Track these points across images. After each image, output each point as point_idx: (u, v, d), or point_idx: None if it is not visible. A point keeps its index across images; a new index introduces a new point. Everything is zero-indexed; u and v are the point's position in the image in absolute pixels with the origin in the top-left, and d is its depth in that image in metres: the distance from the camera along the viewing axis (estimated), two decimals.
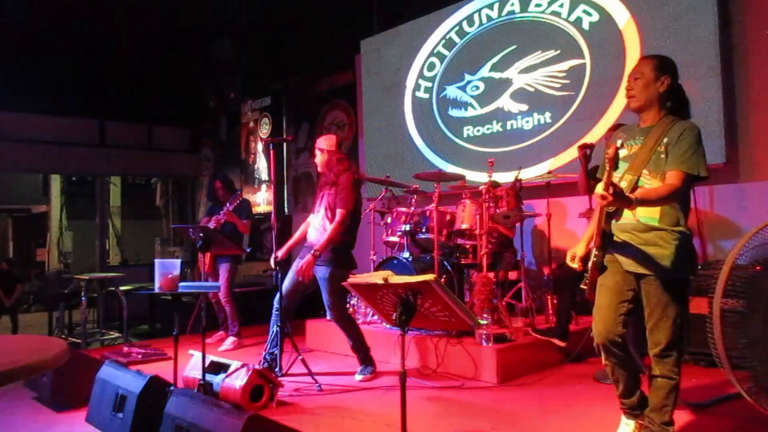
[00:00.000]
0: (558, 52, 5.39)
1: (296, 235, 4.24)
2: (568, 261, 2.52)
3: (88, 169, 10.00)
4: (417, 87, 6.61)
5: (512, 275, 4.96)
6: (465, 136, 6.09)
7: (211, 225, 5.07)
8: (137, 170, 10.80)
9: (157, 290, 3.25)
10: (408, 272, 4.53)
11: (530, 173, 5.29)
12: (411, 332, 4.24)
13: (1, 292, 7.28)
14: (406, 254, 4.87)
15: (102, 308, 6.80)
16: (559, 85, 5.39)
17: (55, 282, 7.52)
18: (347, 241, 4.02)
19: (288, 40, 8.24)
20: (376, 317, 4.76)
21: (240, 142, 9.55)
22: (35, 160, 9.27)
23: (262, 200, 8.97)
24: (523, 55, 5.64)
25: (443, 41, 6.38)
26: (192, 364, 3.65)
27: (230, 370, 3.39)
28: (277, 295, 4.01)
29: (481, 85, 5.99)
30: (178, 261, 3.41)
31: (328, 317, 4.17)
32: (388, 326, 4.28)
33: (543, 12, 5.54)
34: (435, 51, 6.45)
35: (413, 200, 5.15)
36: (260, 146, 9.08)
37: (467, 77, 6.11)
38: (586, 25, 5.23)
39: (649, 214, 2.37)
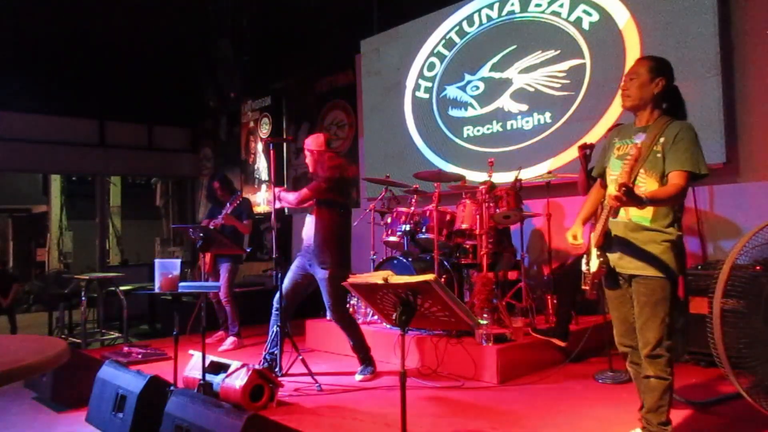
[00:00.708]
0: (558, 52, 5.39)
1: None
2: (569, 240, 2.61)
3: (88, 169, 10.00)
4: (417, 87, 6.61)
5: (512, 275, 4.96)
6: (465, 136, 6.09)
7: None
8: (137, 170, 10.79)
9: (157, 290, 3.25)
10: (408, 272, 4.53)
11: (530, 173, 5.29)
12: (411, 332, 4.24)
13: None
14: (406, 254, 4.87)
15: (102, 308, 6.80)
16: (559, 85, 5.39)
17: (55, 282, 7.51)
18: (346, 240, 4.02)
19: (288, 40, 8.24)
20: (376, 317, 4.76)
21: (240, 142, 9.55)
22: (35, 160, 9.27)
23: (262, 200, 8.97)
24: (523, 55, 5.64)
25: (443, 41, 6.38)
26: (192, 364, 3.65)
27: (230, 370, 3.39)
28: (277, 295, 4.01)
29: (481, 85, 5.99)
30: (178, 261, 3.41)
31: (329, 317, 4.17)
32: (388, 326, 4.29)
33: (543, 12, 5.54)
34: (435, 51, 6.45)
35: (413, 200, 5.15)
36: (260, 146, 9.08)
37: (467, 77, 6.11)
38: (586, 25, 5.23)
39: (641, 214, 2.39)
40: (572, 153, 4.79)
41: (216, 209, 5.51)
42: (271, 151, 4.41)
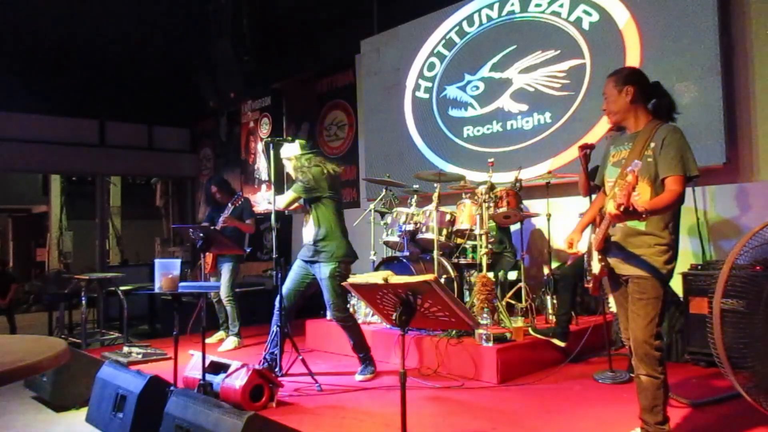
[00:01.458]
0: (558, 52, 5.39)
1: None
2: (565, 248, 2.70)
3: (88, 169, 10.00)
4: (417, 87, 6.61)
5: (512, 275, 4.96)
6: (465, 136, 6.09)
7: None
8: (137, 170, 10.80)
9: (157, 290, 3.25)
10: (408, 272, 4.53)
11: (530, 173, 5.29)
12: (411, 332, 4.24)
13: None
14: (406, 254, 4.87)
15: (102, 308, 6.80)
16: (559, 85, 5.39)
17: (55, 282, 7.50)
18: (344, 232, 4.02)
19: (288, 40, 8.24)
20: (376, 317, 4.76)
21: (240, 142, 9.55)
22: (35, 160, 9.27)
23: (262, 200, 8.98)
24: (523, 55, 5.64)
25: (443, 41, 6.38)
26: (192, 364, 3.65)
27: (230, 370, 3.40)
28: (278, 295, 4.02)
29: (481, 85, 5.99)
30: (178, 261, 3.41)
31: (329, 317, 4.18)
32: (388, 326, 4.29)
33: (543, 12, 5.53)
34: (435, 51, 6.45)
35: (413, 200, 5.15)
36: (260, 146, 9.08)
37: (467, 77, 6.11)
38: (586, 25, 5.23)
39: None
40: (572, 153, 4.79)
41: (216, 213, 5.50)
42: (272, 151, 4.40)
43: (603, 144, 4.13)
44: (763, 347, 2.74)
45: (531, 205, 5.25)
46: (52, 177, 12.18)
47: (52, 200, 12.33)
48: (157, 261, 3.32)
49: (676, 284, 3.99)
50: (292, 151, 4.08)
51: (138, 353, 4.84)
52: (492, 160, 4.85)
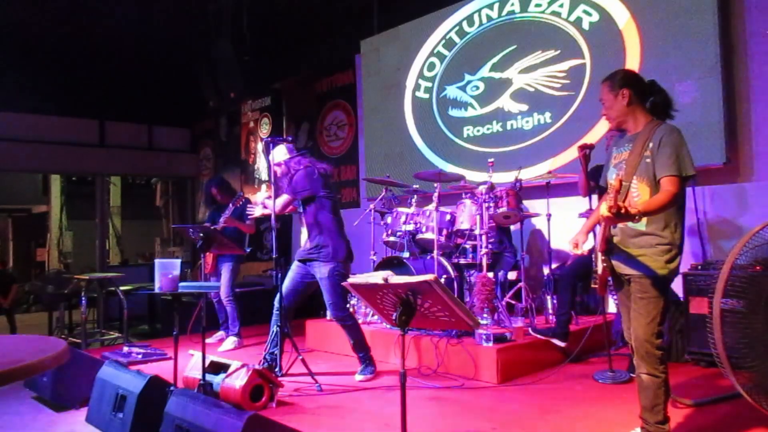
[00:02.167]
0: (558, 52, 5.39)
1: None
2: (570, 249, 2.72)
3: (88, 169, 10.00)
4: (417, 87, 6.61)
5: (512, 275, 4.96)
6: (465, 136, 6.09)
7: None
8: (137, 170, 10.79)
9: (157, 290, 3.25)
10: (408, 272, 4.53)
11: (530, 173, 5.29)
12: (411, 332, 4.24)
13: None
14: (406, 254, 4.87)
15: (102, 308, 6.80)
16: (559, 85, 5.39)
17: (55, 282, 7.51)
18: (342, 230, 4.02)
19: (288, 40, 8.24)
20: (376, 317, 4.76)
21: (240, 142, 9.55)
22: (35, 160, 9.27)
23: (261, 200, 8.96)
24: (523, 55, 5.64)
25: (443, 41, 6.38)
26: (192, 364, 3.65)
27: (230, 370, 3.39)
28: (277, 295, 4.02)
29: (481, 85, 5.99)
30: (178, 261, 3.41)
31: (329, 317, 4.17)
32: (388, 326, 4.29)
33: (543, 12, 5.53)
34: (435, 51, 6.45)
35: (413, 200, 5.15)
36: (260, 146, 9.08)
37: (467, 77, 6.11)
38: (586, 25, 5.23)
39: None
40: (572, 153, 4.79)
41: (216, 214, 5.49)
42: (272, 151, 4.40)
43: (603, 144, 4.15)
44: (763, 347, 2.74)
45: (531, 205, 5.25)
46: (52, 177, 12.19)
47: (52, 200, 12.33)
48: (157, 261, 3.32)
49: (676, 284, 3.98)
50: (280, 155, 4.08)
51: (138, 353, 4.84)
52: (492, 160, 4.85)
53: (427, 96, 6.50)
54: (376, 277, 2.15)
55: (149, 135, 10.36)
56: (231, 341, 5.33)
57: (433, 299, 2.10)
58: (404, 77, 6.72)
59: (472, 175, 5.63)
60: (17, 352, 1.59)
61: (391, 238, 5.07)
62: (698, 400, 3.25)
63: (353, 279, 2.30)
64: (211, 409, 2.55)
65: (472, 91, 6.07)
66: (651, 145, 2.45)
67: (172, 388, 3.03)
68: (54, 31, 7.56)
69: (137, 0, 6.93)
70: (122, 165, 10.16)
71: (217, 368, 3.47)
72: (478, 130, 5.99)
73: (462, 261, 4.81)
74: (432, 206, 4.73)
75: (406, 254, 4.87)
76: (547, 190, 4.87)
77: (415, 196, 5.18)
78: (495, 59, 5.86)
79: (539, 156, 5.43)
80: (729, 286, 2.73)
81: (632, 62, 4.84)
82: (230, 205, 5.33)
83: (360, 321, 4.63)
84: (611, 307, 4.44)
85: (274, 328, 4.00)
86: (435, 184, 4.81)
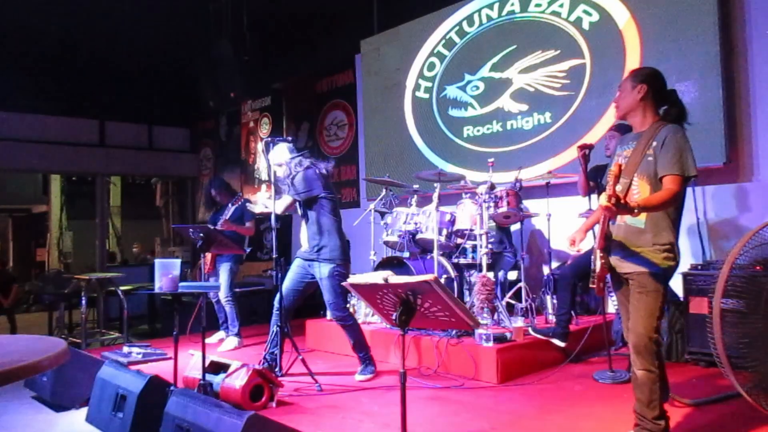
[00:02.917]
0: (558, 52, 5.39)
1: None
2: (567, 245, 2.75)
3: (88, 169, 10.00)
4: (417, 87, 6.61)
5: (512, 275, 4.96)
6: (465, 136, 6.09)
7: None
8: (137, 170, 10.79)
9: (157, 290, 3.25)
10: (408, 272, 4.53)
11: (530, 173, 5.29)
12: (411, 332, 4.24)
13: None
14: (406, 254, 4.87)
15: (102, 308, 6.80)
16: (559, 85, 5.39)
17: (55, 282, 7.51)
18: (341, 232, 4.03)
19: (288, 40, 8.24)
20: (376, 317, 4.76)
21: (240, 142, 9.55)
22: (35, 160, 9.26)
23: (261, 200, 8.97)
24: (523, 55, 5.64)
25: (443, 41, 6.38)
26: (192, 364, 3.65)
27: (230, 370, 3.40)
28: (277, 295, 4.02)
29: (481, 85, 5.99)
30: (178, 261, 3.41)
31: (329, 317, 4.17)
32: (388, 326, 4.29)
33: (543, 12, 5.53)
34: (435, 51, 6.45)
35: (413, 200, 5.15)
36: (260, 146, 9.07)
37: (467, 77, 6.11)
38: (586, 25, 5.23)
39: (636, 218, 2.50)
40: (572, 153, 4.78)
41: (217, 215, 5.50)
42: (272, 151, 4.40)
43: (603, 144, 4.15)
44: (763, 347, 2.74)
45: (531, 205, 5.25)
46: (52, 177, 12.19)
47: (52, 200, 12.33)
48: (157, 261, 3.32)
49: (676, 284, 3.99)
50: (280, 155, 4.07)
51: (138, 353, 4.84)
52: (492, 160, 4.85)
53: (427, 96, 6.50)
54: (376, 277, 2.15)
55: (149, 135, 10.36)
56: (231, 341, 5.33)
57: (433, 299, 2.10)
58: (404, 77, 6.72)
59: (472, 175, 5.63)
60: (17, 352, 1.59)
61: (391, 238, 5.07)
62: (698, 400, 3.25)
63: (353, 279, 2.30)
64: (211, 409, 2.55)
65: (472, 91, 6.07)
66: (654, 143, 2.46)
67: (172, 388, 3.03)
68: (54, 31, 7.55)
69: (137, 0, 6.93)
70: (122, 165, 10.16)
71: (217, 368, 3.47)
72: (478, 130, 5.99)
73: (462, 261, 4.81)
74: (432, 206, 4.73)
75: (406, 254, 4.88)
76: (547, 190, 4.87)
77: (415, 196, 5.18)
78: (495, 59, 5.86)
79: (539, 156, 5.43)
80: (729, 286, 2.73)
81: (632, 62, 4.84)
82: (229, 205, 5.33)
83: (360, 321, 4.63)
84: (611, 307, 4.44)
85: (274, 328, 4.00)
86: (435, 184, 4.81)
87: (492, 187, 4.60)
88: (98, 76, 8.75)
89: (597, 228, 2.75)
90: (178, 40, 7.93)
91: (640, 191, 2.47)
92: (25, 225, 13.38)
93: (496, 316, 4.31)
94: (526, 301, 4.59)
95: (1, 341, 1.82)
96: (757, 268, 2.83)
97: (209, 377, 3.41)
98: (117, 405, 3.06)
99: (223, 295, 5.33)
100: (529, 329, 4.22)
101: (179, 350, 3.32)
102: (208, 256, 5.30)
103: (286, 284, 4.06)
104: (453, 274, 4.69)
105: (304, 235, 4.06)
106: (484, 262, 4.41)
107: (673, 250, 2.48)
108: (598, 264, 2.56)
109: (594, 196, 4.16)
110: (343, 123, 7.77)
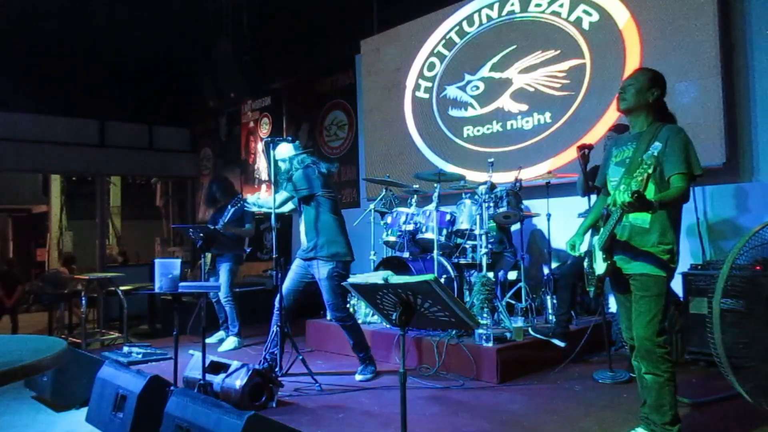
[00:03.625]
0: (558, 52, 5.39)
1: None
2: (568, 250, 2.74)
3: (88, 169, 10.00)
4: (417, 87, 6.61)
5: (512, 275, 4.96)
6: (465, 136, 6.09)
7: None
8: (137, 170, 10.80)
9: (157, 290, 3.25)
10: (408, 272, 4.53)
11: (530, 173, 5.29)
12: (411, 332, 4.24)
13: (3, 293, 7.29)
14: (406, 254, 4.87)
15: (102, 308, 6.79)
16: (559, 85, 5.39)
17: (55, 282, 7.50)
18: (342, 229, 4.03)
19: (288, 40, 8.24)
20: (376, 317, 4.76)
21: (240, 142, 9.54)
22: (35, 160, 9.26)
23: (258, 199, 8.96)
24: (523, 55, 5.64)
25: (443, 41, 6.38)
26: (192, 364, 3.65)
27: (230, 370, 3.40)
28: (278, 295, 4.02)
29: (481, 85, 5.99)
30: (178, 261, 3.41)
31: (329, 317, 4.17)
32: (388, 326, 4.29)
33: (543, 12, 5.53)
34: (435, 51, 6.45)
35: (413, 200, 5.15)
36: (260, 146, 9.07)
37: (467, 77, 6.11)
38: (586, 25, 5.23)
39: (640, 219, 2.51)
40: (572, 153, 4.77)
41: (217, 215, 5.50)
42: (272, 151, 4.40)
43: (603, 144, 4.14)
44: (763, 347, 2.74)
45: (531, 205, 5.25)
46: (52, 177, 12.18)
47: (52, 200, 12.32)
48: (157, 261, 3.32)
49: (676, 284, 3.99)
50: (285, 152, 4.10)
51: (138, 353, 4.84)
52: (492, 160, 4.85)
53: (427, 96, 6.50)
54: (376, 277, 2.15)
55: (149, 135, 10.35)
56: (231, 341, 5.33)
57: (433, 299, 2.10)
58: (404, 77, 6.72)
59: (472, 175, 5.63)
60: (17, 352, 1.59)
61: (391, 238, 5.07)
62: (697, 399, 3.25)
63: (353, 279, 2.30)
64: (211, 409, 2.55)
65: (472, 91, 6.07)
66: (657, 143, 2.46)
67: (172, 388, 3.03)
68: (54, 31, 7.56)
69: (137, 0, 6.93)
70: (122, 165, 10.16)
71: (217, 368, 3.47)
72: (478, 130, 5.98)
73: (462, 261, 4.81)
74: (432, 206, 4.73)
75: (406, 254, 4.87)
76: (547, 190, 4.87)
77: (415, 196, 5.18)
78: (495, 59, 5.86)
79: (539, 156, 5.43)
80: (729, 286, 2.73)
81: (632, 62, 4.84)
82: (228, 206, 5.32)
83: (360, 321, 4.63)
84: (611, 307, 4.44)
85: (274, 328, 4.00)
86: (435, 184, 4.81)
87: (492, 187, 4.60)
88: (98, 76, 8.74)
89: (590, 232, 2.76)
90: (178, 40, 7.94)
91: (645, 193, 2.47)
92: (25, 225, 13.38)
93: (496, 316, 4.31)
94: (526, 301, 4.59)
95: (2, 341, 1.82)
96: (757, 268, 2.83)
97: (209, 377, 3.41)
98: (117, 405, 3.05)
99: (222, 295, 5.33)
100: (529, 329, 4.22)
101: (179, 350, 3.32)
102: (207, 255, 5.29)
103: (286, 284, 4.06)
104: (453, 274, 4.68)
105: (304, 234, 4.07)
106: (484, 262, 4.41)
107: (675, 252, 2.49)
108: (601, 266, 2.55)
109: (594, 196, 4.16)
110: (343, 123, 7.77)
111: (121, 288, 6.49)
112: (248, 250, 5.71)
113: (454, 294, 2.20)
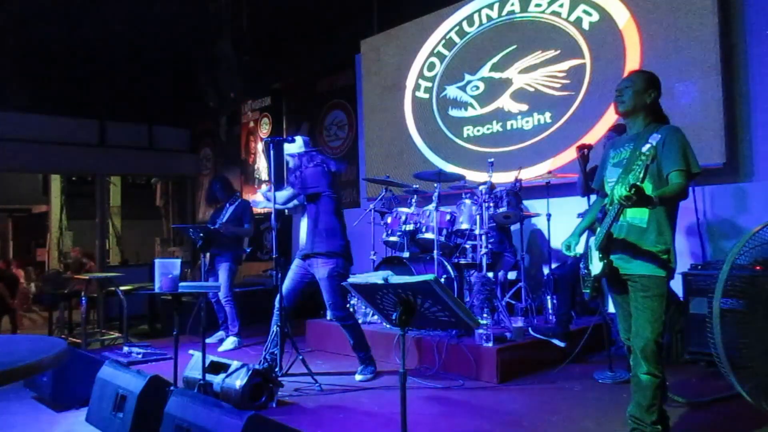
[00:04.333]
0: (558, 52, 5.39)
1: None
2: (563, 250, 2.74)
3: (88, 169, 10.01)
4: (417, 87, 6.61)
5: (512, 275, 4.96)
6: (465, 136, 6.09)
7: None
8: (137, 170, 10.80)
9: (157, 290, 3.25)
10: (408, 272, 4.53)
11: (530, 173, 5.29)
12: (411, 332, 4.24)
13: (7, 293, 7.31)
14: (406, 254, 4.87)
15: (102, 308, 6.80)
16: (559, 85, 5.39)
17: (55, 282, 7.51)
18: (343, 230, 4.03)
19: (288, 40, 8.24)
20: (376, 317, 4.76)
21: (240, 142, 9.54)
22: (35, 160, 9.26)
23: (259, 198, 8.96)
24: (523, 55, 5.64)
25: (443, 41, 6.38)
26: (192, 364, 3.65)
27: (230, 370, 3.40)
28: (278, 295, 4.02)
29: (481, 85, 5.99)
30: (178, 261, 3.41)
31: (329, 317, 4.17)
32: (388, 326, 4.29)
33: (543, 12, 5.53)
34: (435, 51, 6.45)
35: (413, 200, 5.15)
36: (260, 146, 9.08)
37: (467, 77, 6.11)
38: (586, 25, 5.23)
39: (638, 218, 2.51)
40: (572, 153, 4.77)
41: (217, 215, 5.50)
42: (272, 151, 4.40)
43: (602, 144, 4.14)
44: (763, 347, 2.74)
45: (531, 205, 5.25)
46: (52, 177, 12.18)
47: (52, 200, 12.33)
48: (157, 261, 3.32)
49: (676, 284, 3.99)
50: (295, 148, 4.12)
51: (138, 353, 4.84)
52: (492, 160, 4.85)
53: (427, 96, 6.50)
54: (376, 277, 2.15)
55: (149, 135, 10.36)
56: (231, 341, 5.33)
57: (433, 299, 2.10)
58: (404, 77, 6.72)
59: (472, 175, 5.63)
60: (17, 352, 1.59)
61: (391, 238, 5.07)
62: (698, 400, 3.25)
63: (353, 279, 2.30)
64: (211, 409, 2.55)
65: (472, 91, 6.07)
66: (654, 143, 2.46)
67: (172, 388, 3.03)
68: (54, 31, 7.56)
69: (137, 0, 6.93)
70: (122, 165, 10.16)
71: (217, 368, 3.47)
72: (478, 130, 5.99)
73: (462, 261, 4.81)
74: (432, 206, 4.73)
75: (406, 254, 4.87)
76: (547, 190, 4.87)
77: (415, 196, 5.18)
78: (495, 59, 5.86)
79: (539, 156, 5.43)
80: (729, 286, 2.73)
81: (632, 62, 4.84)
82: (227, 205, 5.33)
83: (360, 321, 4.63)
84: (611, 307, 4.44)
85: (274, 328, 4.00)
86: (435, 184, 4.81)
87: (492, 187, 4.60)
88: (98, 76, 8.75)
89: (586, 234, 2.76)
90: (178, 40, 7.94)
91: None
92: (25, 225, 13.38)
93: (496, 316, 4.31)
94: (526, 301, 4.59)
95: (1, 341, 1.82)
96: (757, 268, 2.83)
97: (209, 377, 3.41)
98: (117, 405, 3.05)
99: (222, 295, 5.33)
100: (529, 329, 4.22)
101: (179, 350, 3.32)
102: (207, 255, 5.30)
103: (286, 284, 4.06)
104: (453, 274, 4.68)
105: (304, 233, 4.06)
106: (484, 262, 4.41)
107: (672, 252, 2.49)
108: (598, 266, 2.53)
109: (593, 197, 4.16)
110: (343, 123, 7.77)
111: (121, 288, 6.49)
112: (248, 250, 5.71)
113: (454, 294, 2.20)
